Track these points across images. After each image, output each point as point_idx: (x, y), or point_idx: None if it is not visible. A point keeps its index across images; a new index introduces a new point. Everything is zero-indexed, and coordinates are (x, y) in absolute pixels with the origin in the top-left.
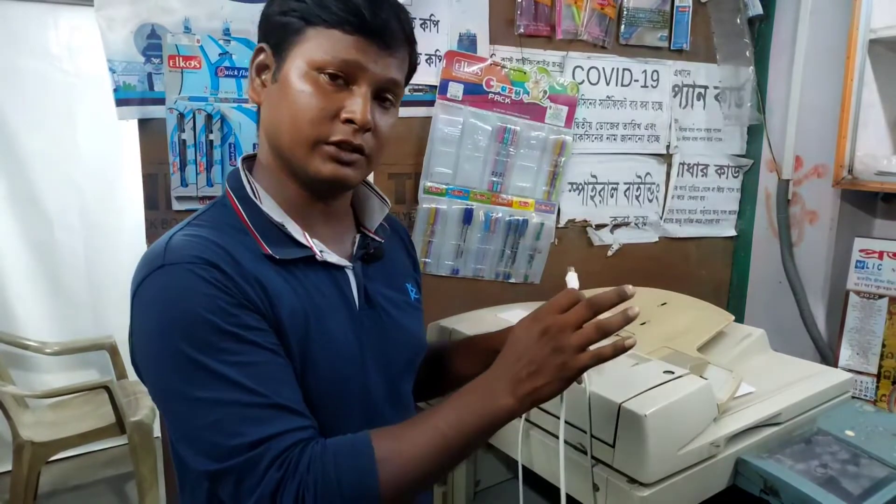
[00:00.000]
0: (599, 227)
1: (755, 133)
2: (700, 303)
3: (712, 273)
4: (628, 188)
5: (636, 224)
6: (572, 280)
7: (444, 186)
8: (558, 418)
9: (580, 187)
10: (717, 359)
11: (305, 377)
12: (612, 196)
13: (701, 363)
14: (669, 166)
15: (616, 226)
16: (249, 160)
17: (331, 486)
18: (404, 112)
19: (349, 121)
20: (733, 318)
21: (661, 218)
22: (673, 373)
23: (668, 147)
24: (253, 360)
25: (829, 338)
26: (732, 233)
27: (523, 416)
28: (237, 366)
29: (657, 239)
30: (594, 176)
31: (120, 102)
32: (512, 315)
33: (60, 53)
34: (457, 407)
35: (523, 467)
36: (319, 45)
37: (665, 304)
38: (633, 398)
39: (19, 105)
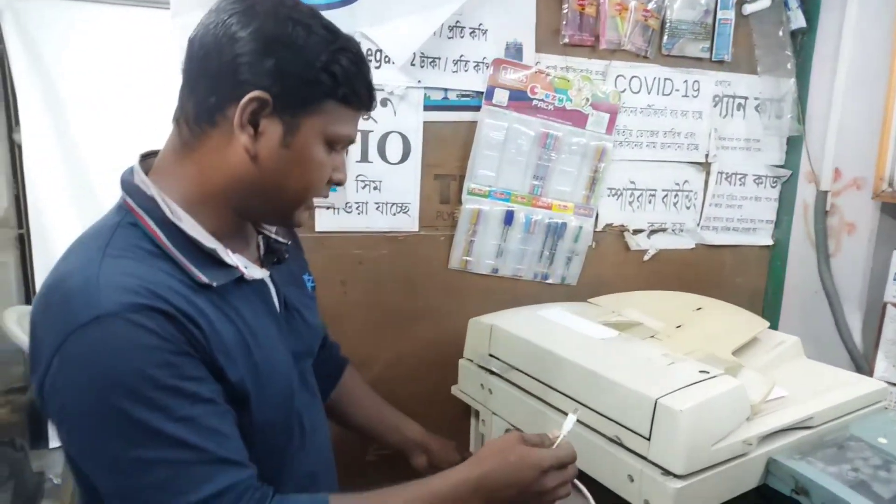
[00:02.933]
0: (636, 232)
1: (794, 144)
2: (735, 308)
3: (747, 281)
4: (666, 195)
5: (673, 230)
6: (569, 423)
7: (487, 188)
8: (595, 411)
9: (619, 193)
10: (750, 363)
11: (254, 398)
12: (649, 202)
13: (735, 366)
14: (708, 174)
15: (653, 231)
16: (145, 160)
17: None
18: (452, 116)
19: (338, 183)
20: (768, 324)
21: (697, 225)
22: (708, 372)
23: (706, 156)
24: (195, 415)
25: (865, 349)
26: (769, 242)
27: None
28: (180, 422)
29: (693, 245)
30: (633, 182)
31: None
32: (551, 314)
33: (125, 55)
34: (420, 498)
35: None
36: (337, 121)
37: (700, 308)
38: (669, 394)
39: (78, 102)
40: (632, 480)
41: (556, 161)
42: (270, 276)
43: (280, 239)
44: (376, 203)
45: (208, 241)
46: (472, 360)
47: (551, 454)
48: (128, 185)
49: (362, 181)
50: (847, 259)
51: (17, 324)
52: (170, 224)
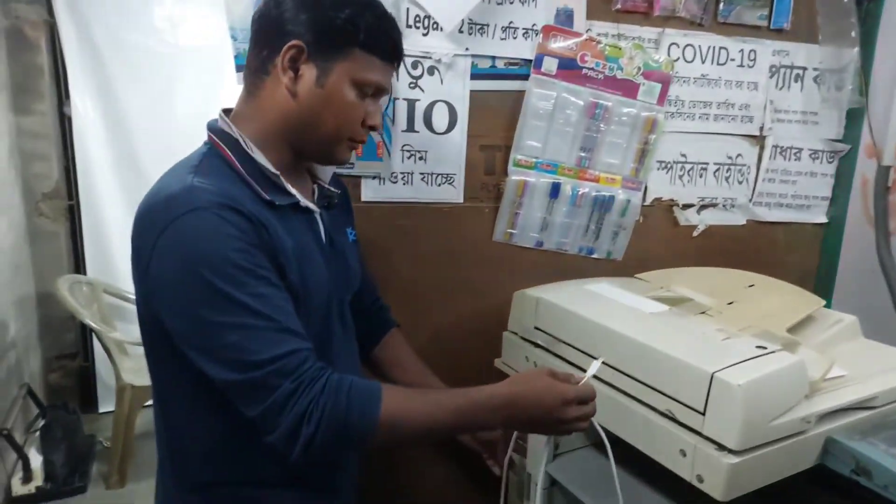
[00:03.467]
0: (686, 206)
1: (854, 118)
2: (788, 286)
3: (800, 259)
4: (718, 169)
5: (724, 206)
6: (594, 368)
7: (534, 160)
8: (643, 383)
9: (669, 166)
10: (807, 342)
11: (302, 304)
12: (700, 176)
13: (791, 343)
14: (762, 148)
15: (703, 206)
16: (226, 113)
17: (339, 412)
18: (498, 85)
19: (372, 127)
20: (824, 302)
21: (750, 201)
22: (765, 348)
23: (761, 129)
24: (266, 293)
25: None
26: (823, 219)
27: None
28: (255, 297)
29: (744, 222)
30: (684, 155)
31: (239, 69)
32: (598, 288)
33: (162, 26)
34: (460, 404)
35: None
36: (364, 68)
37: (752, 285)
38: (726, 369)
39: (125, 76)
40: (684, 455)
41: (604, 132)
42: (321, 214)
43: (332, 189)
44: (421, 174)
45: (274, 169)
46: (516, 333)
47: (575, 389)
48: (213, 128)
49: (408, 151)
50: None
51: (69, 292)
52: (245, 155)
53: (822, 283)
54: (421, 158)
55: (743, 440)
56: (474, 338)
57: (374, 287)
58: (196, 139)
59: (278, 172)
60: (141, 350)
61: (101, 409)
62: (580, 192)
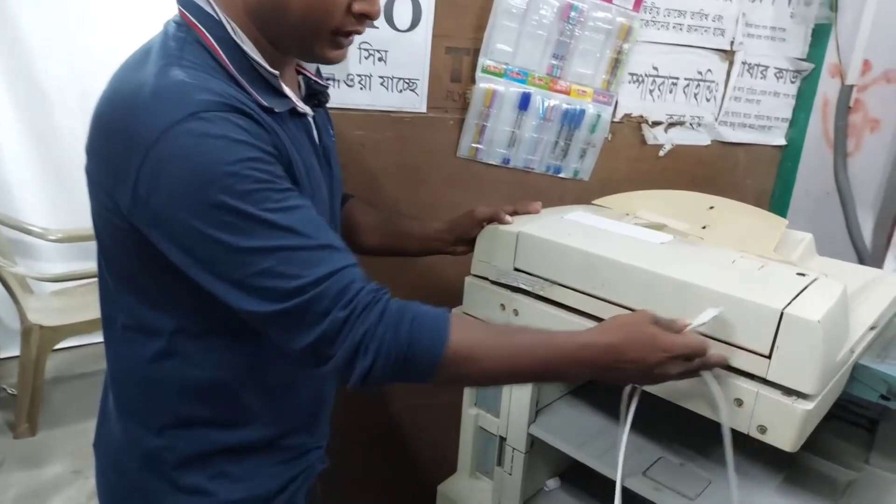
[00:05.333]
0: (655, 124)
1: (820, 36)
2: (747, 206)
3: (757, 182)
4: (688, 84)
5: (691, 124)
6: (706, 316)
7: (504, 66)
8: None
9: (640, 79)
10: None
11: None
12: (670, 92)
13: (792, 266)
14: (731, 65)
15: (671, 124)
16: None
17: (400, 344)
18: None
19: (364, 15)
20: (787, 221)
21: (716, 119)
22: (805, 275)
23: (731, 43)
24: (293, 205)
25: (874, 251)
26: (782, 141)
27: None
28: (281, 211)
29: (709, 142)
30: (655, 68)
31: None
32: (579, 217)
33: None
34: (544, 345)
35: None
36: None
37: (713, 207)
38: (792, 303)
39: None
40: (739, 405)
41: (578, 39)
42: (314, 117)
43: (320, 81)
44: (381, 77)
45: (269, 66)
46: (485, 278)
47: (683, 342)
48: (187, 2)
49: (366, 49)
50: (867, 158)
51: None
52: (231, 45)
53: (777, 205)
54: (381, 59)
55: (820, 383)
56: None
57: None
58: (103, 55)
59: (275, 72)
60: (47, 286)
61: (1, 355)
62: (550, 105)
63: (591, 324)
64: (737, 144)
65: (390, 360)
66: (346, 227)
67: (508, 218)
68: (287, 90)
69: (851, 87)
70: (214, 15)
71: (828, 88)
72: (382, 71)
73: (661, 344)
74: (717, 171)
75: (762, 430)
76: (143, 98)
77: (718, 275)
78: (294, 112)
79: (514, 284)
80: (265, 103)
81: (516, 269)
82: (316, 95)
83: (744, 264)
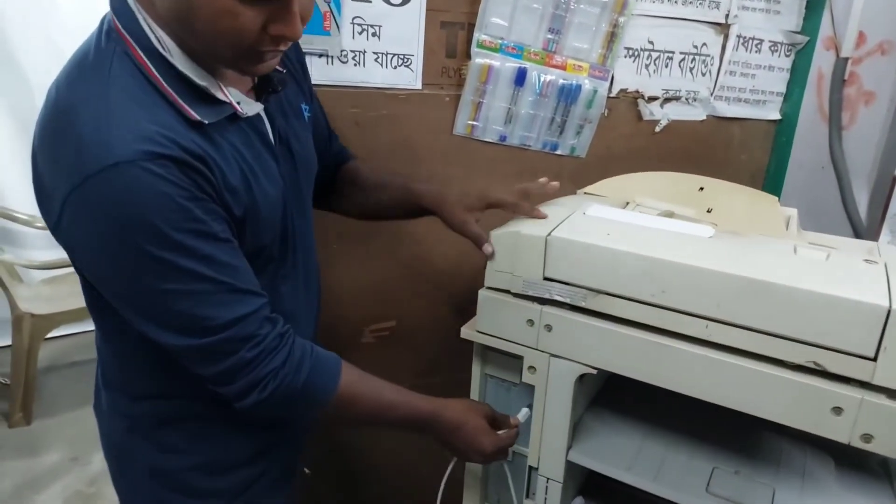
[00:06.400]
0: (651, 99)
1: (814, 8)
2: (734, 185)
3: (752, 157)
4: (683, 59)
5: (686, 99)
6: (523, 415)
7: (499, 41)
8: (763, 332)
9: (636, 53)
10: None
11: (251, 222)
12: (666, 66)
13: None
14: (726, 38)
15: (667, 99)
16: None
17: (296, 385)
18: None
19: (280, 37)
20: (776, 198)
21: (711, 94)
22: (874, 262)
23: (727, 16)
24: (214, 253)
25: (869, 224)
26: (777, 116)
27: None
28: (203, 260)
29: (704, 117)
30: (651, 42)
31: None
32: (603, 212)
33: None
34: (407, 408)
35: None
36: None
37: (703, 188)
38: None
39: None
40: (838, 413)
41: (573, 12)
42: (267, 110)
43: (278, 68)
44: (375, 53)
45: (200, 76)
46: (506, 291)
47: (495, 443)
48: (120, 11)
49: (359, 24)
50: (861, 132)
51: None
52: (160, 58)
53: (771, 180)
54: (374, 34)
55: None
56: (436, 247)
57: (337, 150)
58: (82, 32)
59: (206, 82)
60: (37, 275)
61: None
62: (546, 80)
63: (658, 337)
64: (732, 119)
65: (285, 398)
66: (342, 185)
67: (537, 210)
68: (226, 94)
69: (846, 59)
70: (143, 25)
71: (822, 62)
72: (376, 46)
73: (478, 446)
74: (712, 146)
75: (867, 438)
76: (75, 131)
77: (797, 271)
78: (237, 116)
79: (546, 296)
80: (196, 117)
81: (547, 279)
82: (270, 83)
83: (807, 255)
